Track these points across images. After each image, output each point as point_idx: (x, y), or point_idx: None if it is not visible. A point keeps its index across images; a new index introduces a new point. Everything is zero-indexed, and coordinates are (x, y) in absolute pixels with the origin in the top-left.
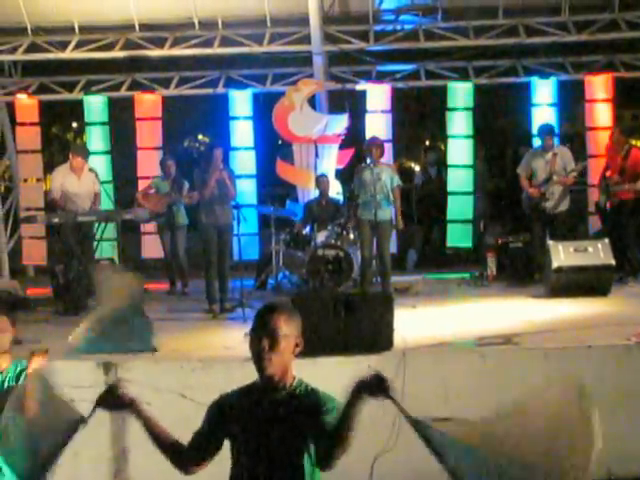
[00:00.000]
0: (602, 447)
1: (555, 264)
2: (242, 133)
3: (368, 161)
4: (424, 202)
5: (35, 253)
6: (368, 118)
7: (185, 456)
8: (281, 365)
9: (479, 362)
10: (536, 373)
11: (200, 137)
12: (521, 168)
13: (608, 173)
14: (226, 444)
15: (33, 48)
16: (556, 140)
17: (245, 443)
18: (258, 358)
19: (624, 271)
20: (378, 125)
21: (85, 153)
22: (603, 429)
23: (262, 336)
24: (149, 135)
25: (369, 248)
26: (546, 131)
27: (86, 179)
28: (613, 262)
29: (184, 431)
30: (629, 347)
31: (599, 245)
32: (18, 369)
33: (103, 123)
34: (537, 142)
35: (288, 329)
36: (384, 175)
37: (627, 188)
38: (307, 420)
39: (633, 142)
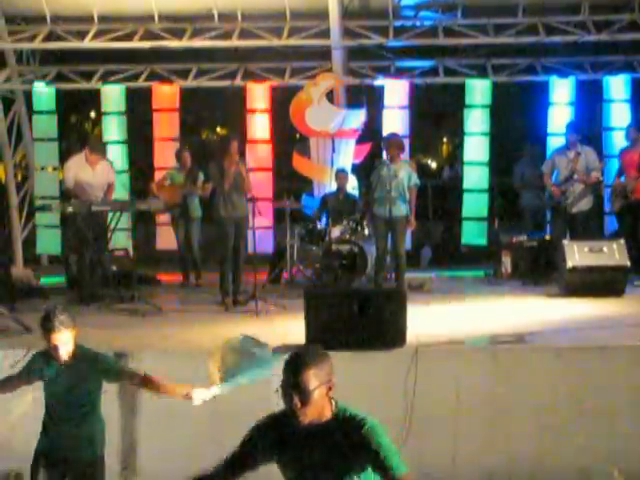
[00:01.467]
0: (613, 449)
1: (570, 264)
2: (259, 126)
3: (385, 157)
4: (445, 198)
5: (49, 242)
6: (385, 113)
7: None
8: (316, 412)
9: (491, 360)
10: (548, 372)
11: (218, 129)
12: (545, 166)
13: (623, 179)
14: None
15: (52, 37)
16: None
17: (287, 470)
18: (293, 413)
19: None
20: (395, 121)
21: (103, 151)
22: (614, 431)
23: (293, 394)
24: (166, 126)
25: (383, 244)
26: (571, 128)
27: (101, 169)
28: (628, 263)
29: (194, 422)
30: None
31: (614, 246)
32: (86, 355)
33: (120, 113)
34: (552, 141)
35: (318, 380)
36: (402, 172)
37: None
38: (349, 450)
39: None
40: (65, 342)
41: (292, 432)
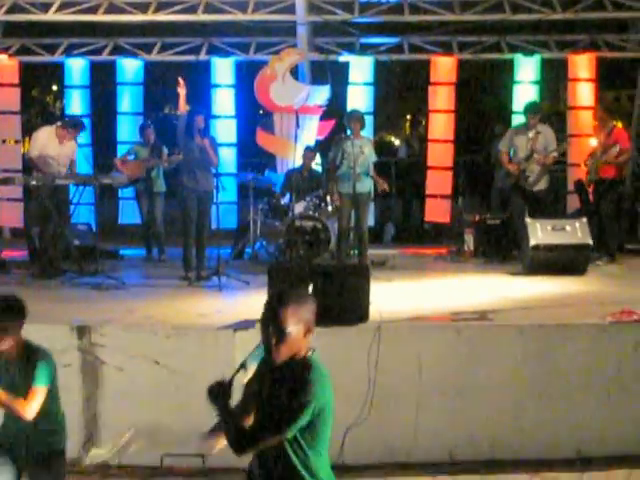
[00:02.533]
0: (573, 426)
1: (533, 242)
2: (224, 101)
3: (349, 133)
4: (405, 176)
5: (12, 215)
6: (350, 90)
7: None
8: (290, 352)
9: (454, 337)
10: (510, 349)
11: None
12: (502, 144)
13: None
14: None
15: (15, 9)
16: None
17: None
18: (267, 350)
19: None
20: (360, 97)
21: (81, 128)
22: (574, 408)
23: (270, 330)
24: (130, 100)
25: (347, 220)
26: (532, 109)
27: (68, 146)
28: (590, 241)
29: (157, 396)
30: (604, 327)
31: (577, 224)
32: (31, 351)
33: (84, 87)
34: (516, 119)
35: (296, 320)
36: (366, 148)
37: (616, 154)
38: (290, 392)
39: (615, 122)
40: (6, 337)
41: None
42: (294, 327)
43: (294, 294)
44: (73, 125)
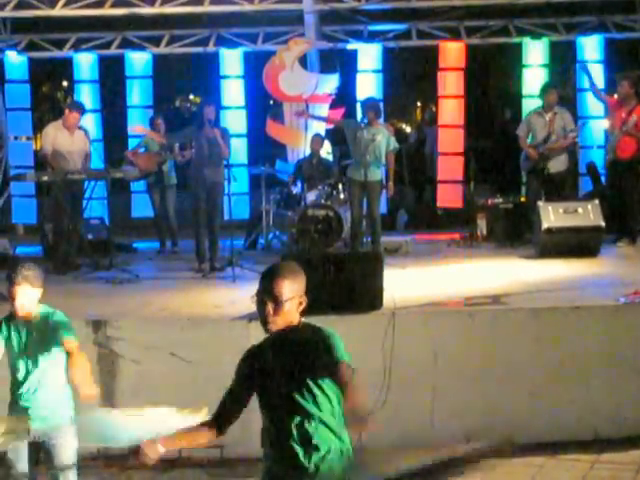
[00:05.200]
0: (589, 408)
1: (545, 225)
2: (233, 92)
3: (359, 119)
4: (416, 162)
5: (25, 211)
6: (359, 78)
7: (219, 420)
8: (285, 323)
9: (468, 322)
10: (524, 333)
11: (191, 97)
12: (520, 129)
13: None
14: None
15: (22, 4)
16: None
17: (271, 393)
18: (264, 321)
19: (619, 233)
20: (369, 85)
21: (82, 109)
22: (590, 390)
23: (266, 301)
24: (139, 94)
25: (359, 208)
26: (549, 87)
27: (78, 137)
28: (603, 223)
29: (173, 388)
30: (618, 308)
31: (589, 206)
32: (47, 314)
33: (93, 81)
34: (527, 103)
35: (291, 292)
36: (379, 136)
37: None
38: (316, 355)
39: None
40: (23, 296)
41: (273, 352)
42: (289, 300)
43: (288, 268)
44: (77, 106)
